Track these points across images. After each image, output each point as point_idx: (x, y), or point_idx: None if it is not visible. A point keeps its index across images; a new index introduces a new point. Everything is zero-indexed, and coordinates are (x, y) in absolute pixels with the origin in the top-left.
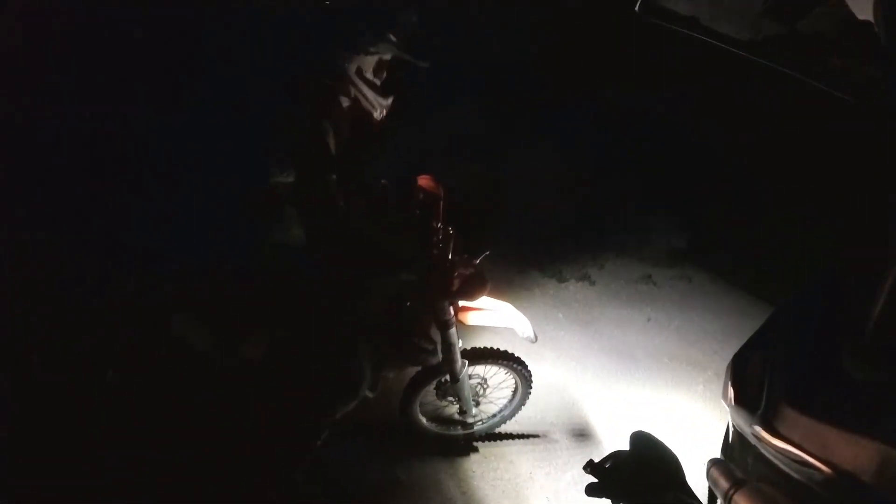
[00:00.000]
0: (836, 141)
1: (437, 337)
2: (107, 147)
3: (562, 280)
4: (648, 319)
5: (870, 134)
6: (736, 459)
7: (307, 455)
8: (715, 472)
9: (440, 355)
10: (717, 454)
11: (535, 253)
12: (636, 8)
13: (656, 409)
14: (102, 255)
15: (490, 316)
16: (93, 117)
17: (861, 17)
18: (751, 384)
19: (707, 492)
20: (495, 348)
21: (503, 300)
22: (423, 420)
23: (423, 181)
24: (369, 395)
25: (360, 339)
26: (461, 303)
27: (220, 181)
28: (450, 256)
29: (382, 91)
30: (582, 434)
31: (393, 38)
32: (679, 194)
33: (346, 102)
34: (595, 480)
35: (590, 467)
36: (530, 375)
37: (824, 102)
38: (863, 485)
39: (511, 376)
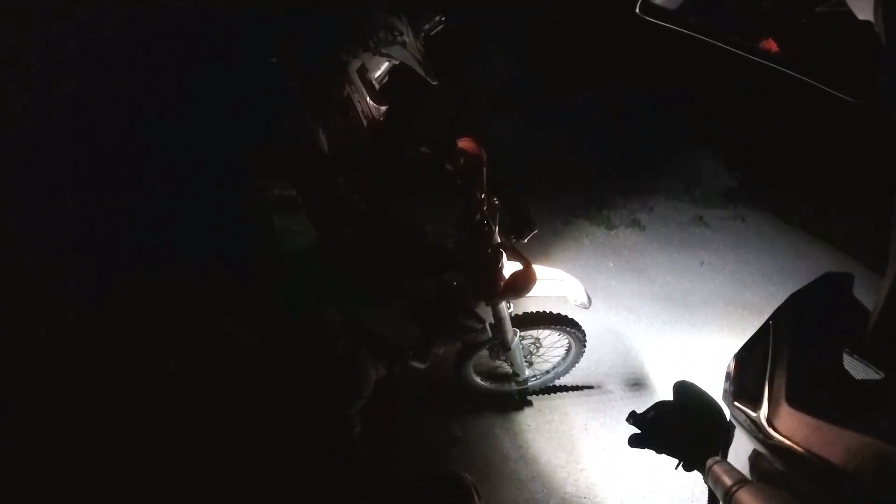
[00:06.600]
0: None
1: (487, 313)
2: (107, 147)
3: (610, 227)
4: (702, 263)
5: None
6: (736, 458)
7: (350, 439)
8: (716, 471)
9: (490, 332)
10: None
11: (581, 201)
12: (636, 9)
13: (712, 356)
14: (106, 256)
15: (541, 286)
16: (93, 117)
17: (861, 17)
18: (751, 382)
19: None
20: (547, 312)
21: (552, 251)
22: (477, 379)
23: (465, 144)
24: (420, 366)
25: (359, 341)
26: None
27: (216, 183)
28: (496, 236)
29: (380, 96)
30: (637, 384)
31: (408, 41)
32: (726, 133)
33: (336, 96)
34: (638, 431)
35: (632, 418)
36: (584, 336)
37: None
38: (863, 484)
39: (564, 337)
